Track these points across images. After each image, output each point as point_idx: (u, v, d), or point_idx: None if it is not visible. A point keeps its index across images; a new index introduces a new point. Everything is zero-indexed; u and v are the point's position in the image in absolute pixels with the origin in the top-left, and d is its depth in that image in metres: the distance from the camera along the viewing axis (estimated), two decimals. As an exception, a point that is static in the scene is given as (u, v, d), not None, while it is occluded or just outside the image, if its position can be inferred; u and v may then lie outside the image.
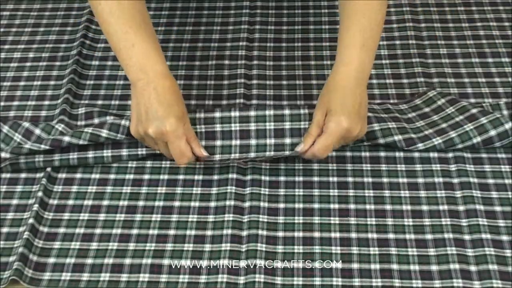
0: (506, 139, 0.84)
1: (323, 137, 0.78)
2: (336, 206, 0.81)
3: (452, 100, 0.88)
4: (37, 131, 0.88)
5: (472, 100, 0.92)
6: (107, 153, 0.85)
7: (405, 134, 0.85)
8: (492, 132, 0.83)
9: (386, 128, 0.85)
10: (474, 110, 0.85)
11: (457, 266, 0.75)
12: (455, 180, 0.83)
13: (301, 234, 0.79)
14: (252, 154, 0.81)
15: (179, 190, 0.83)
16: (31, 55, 1.02)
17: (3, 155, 0.83)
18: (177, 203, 0.82)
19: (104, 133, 0.83)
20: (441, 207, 0.80)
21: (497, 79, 0.95)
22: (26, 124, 0.88)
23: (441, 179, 0.83)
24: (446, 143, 0.84)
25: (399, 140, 0.84)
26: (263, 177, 0.84)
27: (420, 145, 0.84)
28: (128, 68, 0.79)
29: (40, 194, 0.82)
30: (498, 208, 0.80)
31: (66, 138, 0.82)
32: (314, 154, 0.79)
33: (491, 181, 0.83)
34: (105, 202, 0.83)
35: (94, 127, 0.84)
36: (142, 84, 0.77)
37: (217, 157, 0.81)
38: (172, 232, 0.79)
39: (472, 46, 1.00)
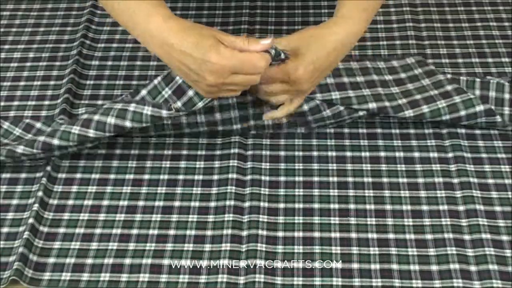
0: (473, 120, 0.86)
1: (272, 69, 0.74)
2: (336, 206, 0.81)
3: (430, 72, 0.90)
4: (38, 125, 0.88)
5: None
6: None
7: (379, 101, 0.85)
8: (462, 113, 0.85)
9: (361, 96, 0.85)
10: (449, 87, 0.87)
11: (457, 266, 0.75)
12: (455, 180, 0.83)
13: (301, 234, 0.79)
14: None
15: (179, 190, 0.83)
16: (31, 55, 1.02)
17: None
18: (177, 203, 0.82)
19: (91, 133, 0.82)
20: (441, 207, 0.80)
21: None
22: (27, 120, 0.89)
23: (441, 179, 0.83)
24: (416, 117, 0.85)
25: (373, 108, 0.85)
26: (263, 177, 0.84)
27: (392, 114, 0.86)
28: (140, 39, 0.75)
29: (40, 194, 0.82)
30: (498, 208, 0.80)
31: (55, 142, 0.82)
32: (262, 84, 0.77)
33: (491, 181, 0.83)
34: (105, 202, 0.83)
35: (81, 126, 0.82)
36: (161, 48, 0.72)
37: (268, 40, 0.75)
38: (172, 232, 0.79)
39: (472, 46, 1.00)
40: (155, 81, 0.82)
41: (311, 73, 0.76)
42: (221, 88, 0.73)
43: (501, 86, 0.88)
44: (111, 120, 0.81)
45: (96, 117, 0.82)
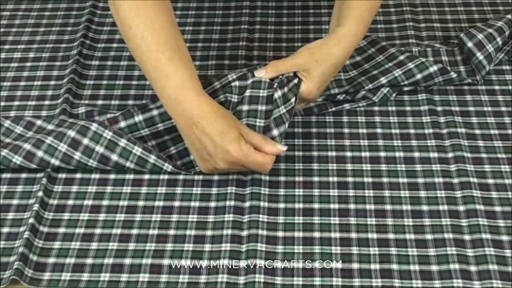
0: (431, 81, 0.91)
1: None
2: (336, 206, 0.81)
3: (382, 48, 0.94)
4: (39, 122, 0.88)
5: (468, 97, 0.92)
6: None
7: (340, 87, 0.90)
8: (418, 76, 0.90)
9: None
10: (401, 57, 0.91)
11: (457, 266, 0.75)
12: (455, 180, 0.83)
13: (301, 234, 0.79)
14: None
15: (179, 190, 0.83)
16: (31, 55, 1.02)
17: None
18: (177, 203, 0.82)
19: (77, 155, 0.83)
20: (441, 207, 0.80)
21: (493, 77, 0.95)
22: (28, 118, 0.89)
23: (441, 179, 0.83)
24: (376, 88, 0.91)
25: (336, 93, 0.90)
26: (263, 177, 0.84)
27: (352, 90, 0.90)
28: (164, 101, 0.76)
29: (40, 194, 0.82)
30: (498, 208, 0.80)
31: (56, 162, 0.83)
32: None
33: (491, 181, 0.83)
34: (105, 202, 0.83)
35: (68, 146, 0.83)
36: (185, 121, 0.74)
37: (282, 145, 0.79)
38: (172, 232, 0.79)
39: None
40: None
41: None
42: (221, 171, 0.80)
43: (451, 51, 0.97)
44: (99, 149, 0.82)
45: (85, 141, 0.83)
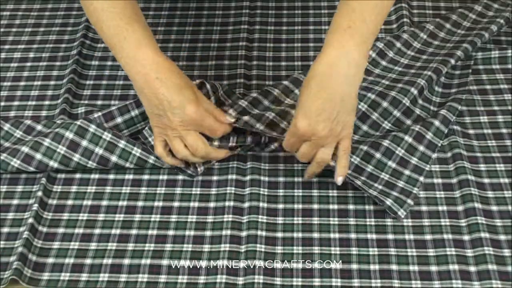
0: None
1: (286, 136, 0.76)
2: (335, 206, 0.81)
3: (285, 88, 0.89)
4: (39, 127, 0.88)
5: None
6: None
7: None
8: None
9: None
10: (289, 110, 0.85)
11: (456, 267, 0.75)
12: (454, 180, 0.83)
13: (300, 234, 0.79)
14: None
15: (178, 190, 0.83)
16: (31, 55, 1.02)
17: None
18: (176, 204, 0.82)
19: (76, 157, 0.83)
20: (440, 208, 0.80)
21: (484, 75, 0.96)
22: (28, 122, 0.89)
23: (440, 180, 0.83)
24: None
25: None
26: (262, 178, 0.84)
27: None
28: (123, 61, 0.77)
29: (39, 194, 0.82)
30: (494, 208, 0.80)
31: (55, 165, 0.83)
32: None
33: (486, 180, 0.83)
34: (104, 202, 0.83)
35: (67, 148, 0.83)
36: (143, 77, 0.76)
37: (245, 118, 0.80)
38: (171, 232, 0.79)
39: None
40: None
41: (316, 122, 0.71)
42: (169, 135, 0.78)
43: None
44: (98, 150, 0.83)
45: (84, 143, 0.83)
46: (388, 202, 0.79)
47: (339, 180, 0.77)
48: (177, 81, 0.76)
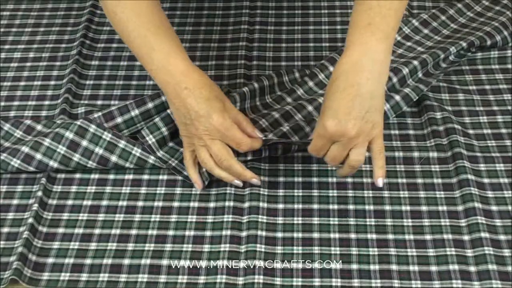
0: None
1: (313, 139, 0.74)
2: (335, 206, 0.81)
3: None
4: (39, 127, 0.88)
5: (461, 96, 0.92)
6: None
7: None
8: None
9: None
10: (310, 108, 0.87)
11: (456, 267, 0.75)
12: (454, 180, 0.83)
13: (300, 234, 0.79)
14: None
15: (178, 190, 0.83)
16: (31, 55, 1.02)
17: None
18: (176, 204, 0.82)
19: (76, 157, 0.83)
20: (440, 208, 0.80)
21: (484, 75, 0.96)
22: (28, 122, 0.89)
23: (440, 180, 0.83)
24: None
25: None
26: (262, 178, 0.84)
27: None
28: (153, 73, 0.77)
29: (39, 193, 0.82)
30: (494, 208, 0.80)
31: (55, 165, 0.83)
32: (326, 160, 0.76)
33: (486, 180, 0.83)
34: (104, 202, 0.83)
35: (67, 148, 0.83)
36: (172, 87, 0.76)
37: (270, 135, 0.81)
38: (171, 232, 0.79)
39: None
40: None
41: (344, 121, 0.69)
42: (196, 144, 0.78)
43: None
44: (98, 150, 0.83)
45: (84, 143, 0.83)
46: None
47: (379, 182, 0.75)
48: (205, 92, 0.76)
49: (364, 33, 0.70)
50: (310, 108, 0.87)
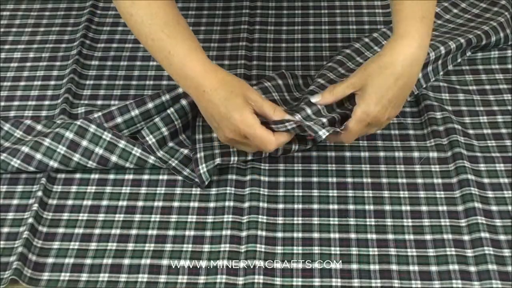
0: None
1: (350, 123, 0.75)
2: (335, 206, 0.81)
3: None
4: (39, 127, 0.88)
5: (461, 96, 0.92)
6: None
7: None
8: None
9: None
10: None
11: (456, 267, 0.75)
12: (454, 180, 0.83)
13: (300, 234, 0.79)
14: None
15: (178, 190, 0.83)
16: (31, 55, 1.02)
17: None
18: (176, 204, 0.82)
19: (76, 157, 0.83)
20: (440, 208, 0.80)
21: (484, 75, 0.96)
22: (28, 122, 0.89)
23: (440, 180, 0.83)
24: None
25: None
26: (262, 178, 0.84)
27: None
28: (174, 77, 0.76)
29: (39, 193, 0.82)
30: (494, 208, 0.80)
31: (55, 165, 0.83)
32: (341, 139, 0.78)
33: (486, 180, 0.83)
34: (104, 202, 0.83)
35: (67, 148, 0.83)
36: (193, 91, 0.75)
37: (297, 117, 0.77)
38: (171, 232, 0.79)
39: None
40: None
41: (385, 107, 0.74)
42: (237, 141, 0.77)
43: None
44: (99, 150, 0.83)
45: (84, 143, 0.83)
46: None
47: (342, 128, 0.76)
48: (222, 92, 0.73)
49: (420, 26, 0.72)
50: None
